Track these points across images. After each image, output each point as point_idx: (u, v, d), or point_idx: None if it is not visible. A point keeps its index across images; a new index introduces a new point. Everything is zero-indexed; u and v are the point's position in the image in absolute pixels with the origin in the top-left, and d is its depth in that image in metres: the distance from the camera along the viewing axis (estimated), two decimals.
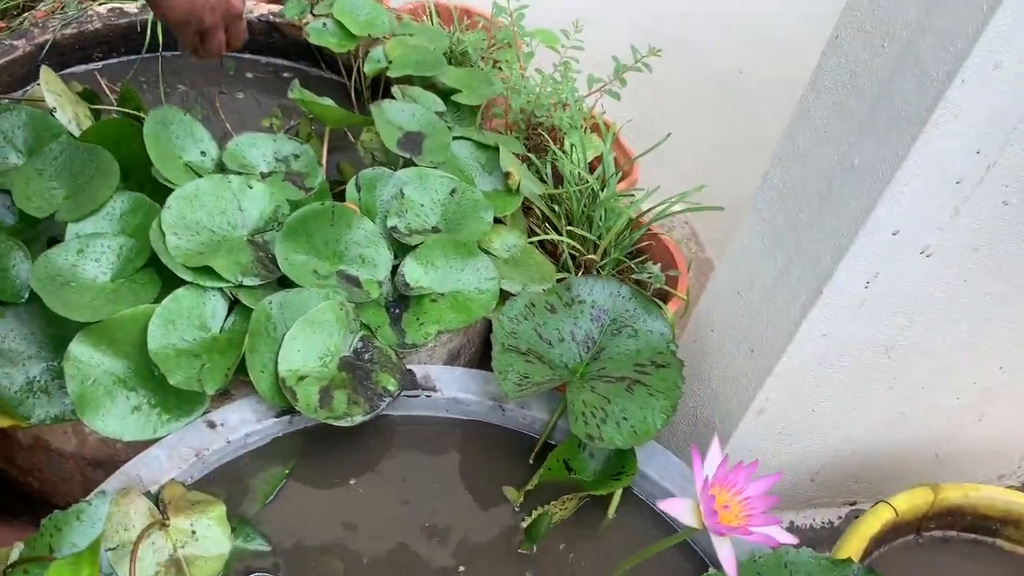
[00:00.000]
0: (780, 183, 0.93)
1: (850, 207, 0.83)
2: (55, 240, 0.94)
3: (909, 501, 0.97)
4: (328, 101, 1.21)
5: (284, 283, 0.95)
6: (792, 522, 1.18)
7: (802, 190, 0.90)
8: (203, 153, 1.03)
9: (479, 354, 1.25)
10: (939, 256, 0.86)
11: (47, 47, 1.30)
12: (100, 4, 1.41)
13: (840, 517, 1.21)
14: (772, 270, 0.94)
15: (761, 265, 0.96)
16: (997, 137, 0.76)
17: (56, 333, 0.89)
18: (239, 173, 1.02)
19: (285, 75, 1.47)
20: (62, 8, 1.38)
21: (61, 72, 1.33)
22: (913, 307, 0.91)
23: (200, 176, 0.99)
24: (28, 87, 1.29)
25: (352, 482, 0.89)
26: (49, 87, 1.04)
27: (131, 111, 1.12)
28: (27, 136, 1.01)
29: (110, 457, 0.96)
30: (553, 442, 0.95)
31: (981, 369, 1.04)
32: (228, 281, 0.90)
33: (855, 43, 0.81)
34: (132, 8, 1.40)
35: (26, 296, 0.87)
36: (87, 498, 0.78)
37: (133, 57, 1.40)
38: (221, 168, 1.03)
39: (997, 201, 0.82)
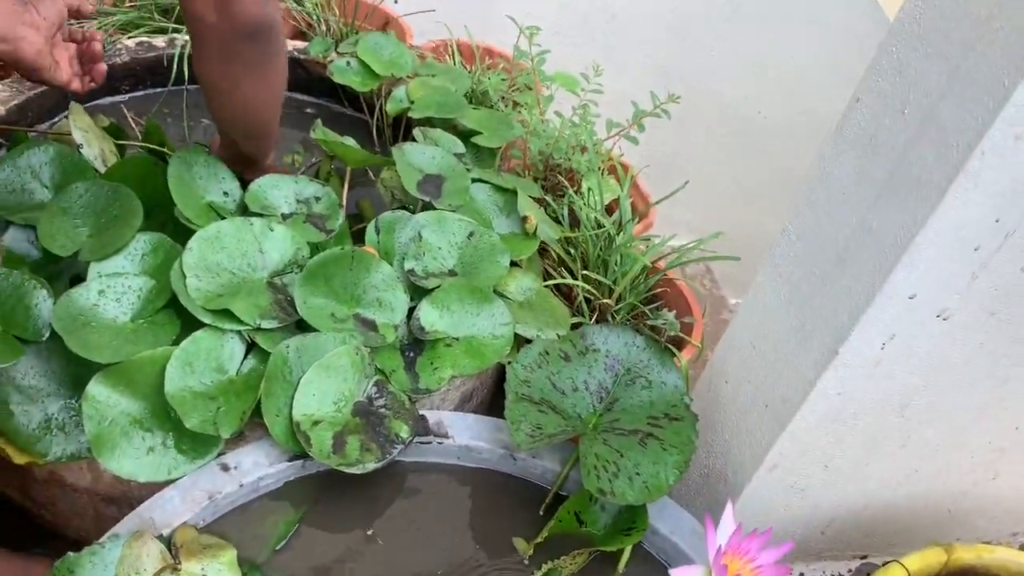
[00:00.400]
0: (797, 239, 0.93)
1: (867, 269, 0.83)
2: (78, 278, 0.95)
3: (921, 561, 0.96)
4: (350, 140, 1.22)
5: (302, 326, 0.96)
6: (802, 575, 1.18)
7: (819, 248, 0.90)
8: (226, 194, 1.05)
9: (491, 395, 1.25)
10: (956, 320, 0.86)
11: None
12: (129, 38, 1.43)
13: (851, 571, 1.20)
14: (788, 326, 0.94)
15: (777, 320, 0.96)
16: (1016, 206, 0.76)
17: (75, 371, 0.90)
18: (260, 215, 1.03)
19: (308, 111, 1.49)
20: None
21: (88, 104, 1.35)
22: (929, 369, 0.91)
23: (222, 217, 1.00)
24: (56, 119, 1.31)
25: (362, 529, 0.89)
26: (77, 124, 1.06)
27: (155, 146, 1.13)
28: (54, 172, 1.03)
29: (123, 494, 0.97)
30: (564, 493, 0.94)
31: (996, 429, 1.03)
32: (247, 324, 0.91)
33: (876, 107, 0.82)
34: (160, 42, 1.42)
35: (47, 334, 0.89)
36: (100, 540, 0.78)
37: (159, 90, 1.42)
38: (243, 209, 1.05)
39: (1016, 268, 0.82)
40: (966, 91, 0.71)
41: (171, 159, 1.02)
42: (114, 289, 0.92)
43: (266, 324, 0.92)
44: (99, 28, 1.44)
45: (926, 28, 0.76)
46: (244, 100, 0.98)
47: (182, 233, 0.98)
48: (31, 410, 0.88)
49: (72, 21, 1.05)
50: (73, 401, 0.89)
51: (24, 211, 0.99)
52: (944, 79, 0.74)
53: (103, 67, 1.06)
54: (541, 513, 0.93)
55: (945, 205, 0.74)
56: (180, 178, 1.01)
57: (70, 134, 1.07)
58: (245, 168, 1.12)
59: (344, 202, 1.18)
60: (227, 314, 0.91)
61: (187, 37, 1.44)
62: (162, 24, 1.49)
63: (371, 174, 1.31)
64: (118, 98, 1.41)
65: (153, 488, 0.87)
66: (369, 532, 0.89)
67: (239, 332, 0.92)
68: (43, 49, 0.95)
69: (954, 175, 0.73)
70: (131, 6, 1.54)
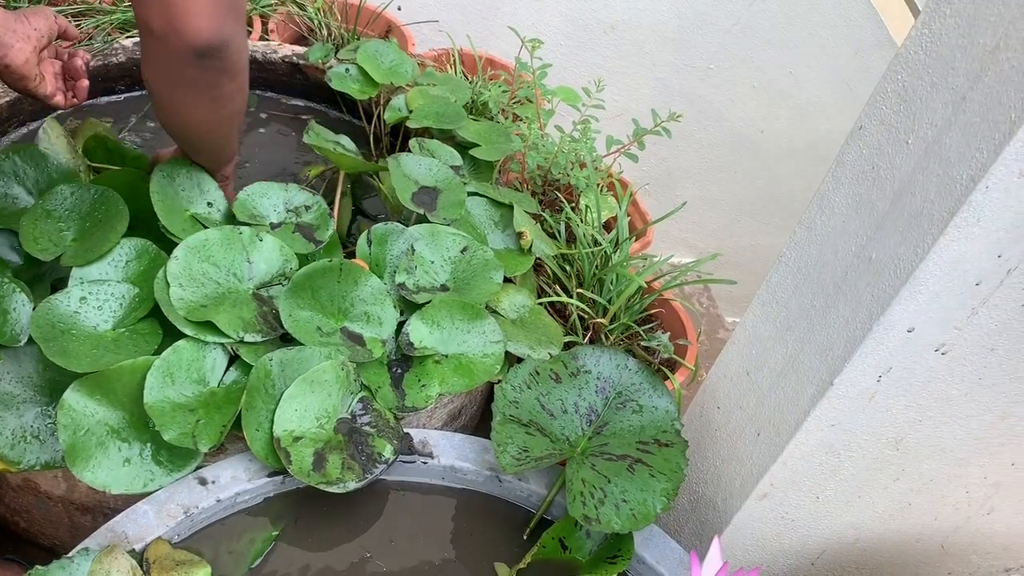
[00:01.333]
0: (795, 267, 0.92)
1: (865, 300, 0.81)
2: (59, 283, 0.93)
3: None
4: (345, 140, 1.20)
5: (287, 339, 0.94)
6: None
7: (817, 277, 0.88)
8: (210, 204, 1.02)
9: (480, 411, 1.23)
10: (955, 354, 0.84)
11: None
12: (127, 37, 1.42)
13: None
14: (783, 354, 0.93)
15: (772, 348, 0.95)
16: (1019, 242, 0.74)
17: (52, 377, 0.88)
18: (248, 224, 1.01)
19: (304, 117, 1.47)
20: (89, 40, 1.39)
21: (86, 104, 1.34)
22: (925, 402, 0.89)
23: (206, 228, 0.98)
24: (51, 115, 1.29)
25: (342, 549, 0.87)
26: (51, 139, 1.04)
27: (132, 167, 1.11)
28: (39, 177, 1.01)
29: (98, 503, 0.95)
30: (549, 517, 0.93)
31: (992, 464, 1.01)
32: (230, 337, 0.89)
33: (879, 136, 0.80)
34: None
35: (24, 340, 0.86)
36: (69, 554, 0.76)
37: None
38: (231, 219, 1.02)
39: (1016, 304, 0.80)
40: (972, 123, 0.70)
41: (154, 172, 0.99)
42: (96, 296, 0.90)
43: (250, 337, 0.90)
44: (96, 27, 1.42)
45: (932, 57, 0.75)
46: (189, 120, 0.95)
47: (167, 242, 0.96)
48: (5, 416, 0.86)
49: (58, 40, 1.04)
50: (49, 408, 0.87)
51: (6, 217, 0.97)
52: (949, 110, 0.72)
53: (86, 83, 1.04)
54: (525, 537, 0.91)
55: (947, 238, 0.73)
56: (163, 191, 0.98)
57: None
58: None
59: (337, 207, 1.16)
60: (210, 326, 0.89)
61: None
62: None
63: (377, 179, 1.29)
64: (114, 98, 1.40)
65: (129, 499, 0.85)
66: (347, 553, 0.87)
67: (222, 344, 0.90)
68: (31, 59, 0.94)
69: (957, 209, 0.71)
70: (129, 5, 1.53)
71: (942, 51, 0.73)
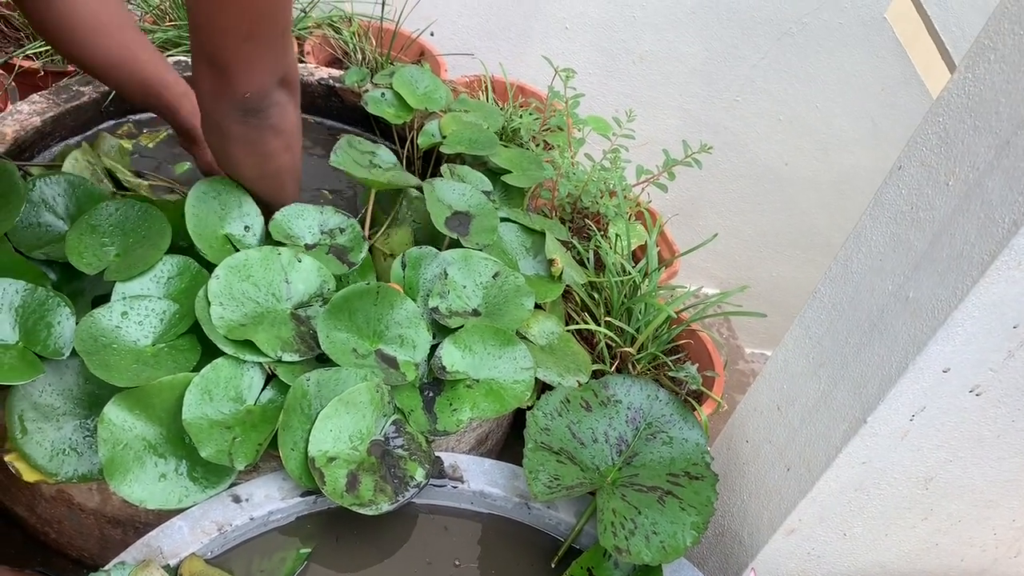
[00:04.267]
0: (830, 303, 0.92)
1: (901, 339, 0.82)
2: (99, 299, 0.94)
3: None
4: (383, 151, 1.22)
5: (323, 359, 0.95)
6: None
7: (852, 314, 0.89)
8: (247, 228, 1.03)
9: (505, 437, 1.24)
10: (989, 396, 0.84)
11: (112, 94, 1.33)
12: (167, 55, 1.44)
13: None
14: (815, 390, 0.93)
15: (804, 383, 0.95)
16: None
17: (92, 391, 0.89)
18: (284, 244, 1.02)
19: (339, 138, 1.49)
20: None
21: (121, 119, 1.36)
22: (957, 443, 0.89)
23: (237, 250, 0.99)
24: (89, 132, 1.32)
25: (371, 569, 0.88)
26: (76, 165, 1.06)
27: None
28: (68, 203, 1.03)
29: (130, 517, 0.95)
30: (578, 546, 0.93)
31: (1022, 507, 1.01)
32: (268, 356, 0.90)
33: (918, 176, 0.81)
34: None
35: (67, 353, 0.88)
36: (106, 568, 0.77)
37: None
38: (267, 240, 1.04)
39: None
40: (1015, 167, 0.70)
41: (190, 191, 1.00)
42: (137, 311, 0.91)
43: (287, 357, 0.91)
44: None
45: (975, 101, 0.75)
46: (239, 173, 1.01)
47: (209, 263, 0.97)
48: (45, 428, 0.87)
49: None
50: (88, 421, 0.88)
51: (44, 246, 0.98)
52: (992, 154, 0.73)
53: None
54: (553, 566, 0.91)
55: (986, 281, 0.73)
56: (197, 212, 0.99)
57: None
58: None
59: (367, 228, 1.17)
60: (249, 345, 0.90)
61: None
62: None
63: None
64: (152, 114, 1.42)
65: (161, 514, 0.86)
66: (379, 574, 0.87)
67: (259, 363, 0.91)
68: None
69: (997, 252, 0.71)
70: (171, 25, 1.56)
71: (985, 95, 0.74)
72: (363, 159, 1.19)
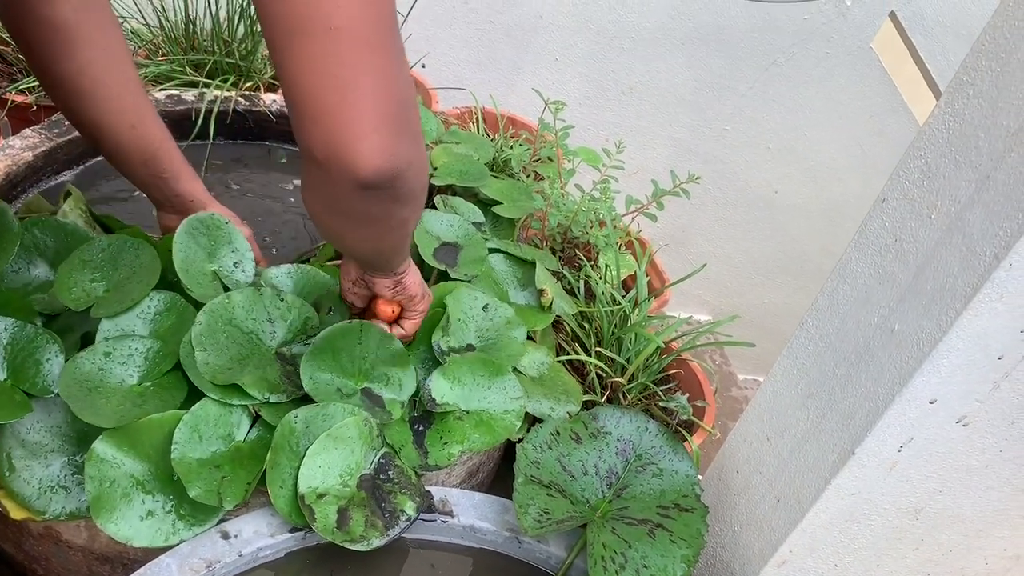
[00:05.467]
0: (817, 335, 0.93)
1: (887, 371, 0.82)
2: (89, 335, 0.94)
3: None
4: None
5: (309, 397, 0.95)
6: None
7: (840, 346, 0.89)
8: (236, 264, 1.03)
9: (496, 468, 1.23)
10: (976, 426, 0.84)
11: None
12: (160, 90, 1.45)
13: None
14: (804, 422, 0.93)
15: (793, 414, 0.95)
16: None
17: (81, 428, 0.89)
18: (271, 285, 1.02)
19: None
20: None
21: None
22: (946, 473, 0.89)
23: (227, 288, 0.99)
24: (83, 165, 1.32)
25: None
26: (68, 213, 1.06)
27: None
28: (59, 248, 1.02)
29: (119, 554, 0.95)
30: None
31: (1012, 536, 1.01)
32: (255, 399, 0.90)
33: (901, 209, 0.82)
34: (189, 96, 1.44)
35: (56, 391, 0.88)
36: None
37: (184, 143, 1.43)
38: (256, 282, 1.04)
39: None
40: (995, 202, 0.71)
41: (179, 226, 1.00)
42: (120, 352, 0.90)
43: (275, 399, 0.91)
44: None
45: (955, 135, 0.76)
46: (351, 247, 0.88)
47: (191, 301, 0.98)
48: (33, 466, 0.86)
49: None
50: (76, 459, 0.88)
51: (32, 293, 0.98)
52: (973, 188, 0.74)
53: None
54: None
55: (970, 313, 0.74)
56: (185, 247, 0.98)
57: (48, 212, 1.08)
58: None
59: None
60: (236, 388, 0.89)
61: (217, 92, 1.46)
62: (193, 78, 1.51)
63: None
64: None
65: (150, 550, 0.85)
66: None
67: (245, 406, 0.90)
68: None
69: (980, 285, 0.72)
70: (164, 59, 1.57)
71: (965, 130, 0.75)
72: None
